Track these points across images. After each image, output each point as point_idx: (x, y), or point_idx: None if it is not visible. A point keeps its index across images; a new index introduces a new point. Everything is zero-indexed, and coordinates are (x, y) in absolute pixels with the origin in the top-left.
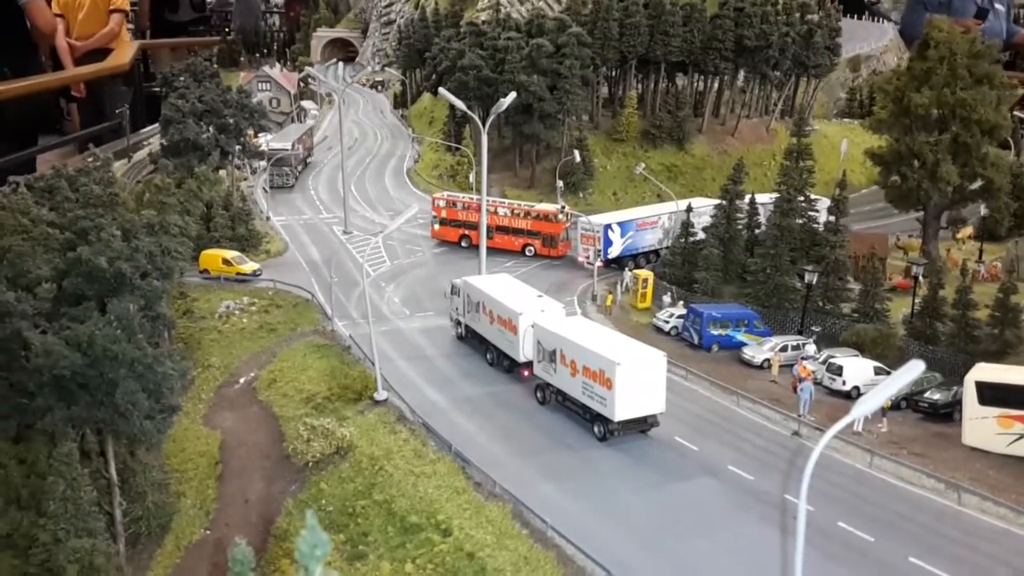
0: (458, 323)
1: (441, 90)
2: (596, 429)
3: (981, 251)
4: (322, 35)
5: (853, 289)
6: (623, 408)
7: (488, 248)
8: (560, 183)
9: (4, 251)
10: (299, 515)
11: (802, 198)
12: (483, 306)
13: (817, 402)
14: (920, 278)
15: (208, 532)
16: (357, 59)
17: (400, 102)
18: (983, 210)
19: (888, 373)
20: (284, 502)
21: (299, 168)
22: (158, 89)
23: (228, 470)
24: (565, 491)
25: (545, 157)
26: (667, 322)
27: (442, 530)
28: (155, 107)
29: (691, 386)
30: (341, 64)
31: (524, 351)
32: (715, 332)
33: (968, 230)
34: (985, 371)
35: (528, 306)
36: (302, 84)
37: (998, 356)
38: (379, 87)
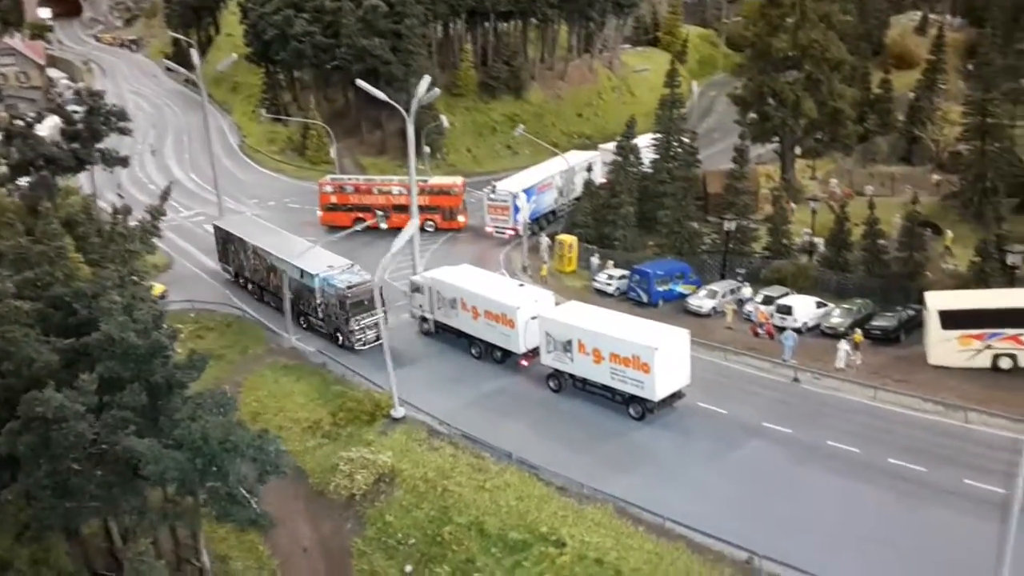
0: (423, 319)
1: (360, 82)
2: (632, 410)
3: (813, 168)
4: None
5: (758, 228)
6: (662, 388)
7: (388, 228)
8: (427, 148)
9: None
10: (376, 554)
11: (685, 144)
12: (461, 302)
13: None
14: (815, 210)
15: None
16: (90, 15)
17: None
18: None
19: (825, 305)
20: (350, 543)
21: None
22: None
23: None
24: (640, 479)
25: (390, 120)
26: (609, 284)
27: (553, 541)
28: None
29: None
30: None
31: (525, 342)
32: (661, 289)
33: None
34: (941, 299)
35: (521, 299)
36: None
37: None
38: (133, 47)
